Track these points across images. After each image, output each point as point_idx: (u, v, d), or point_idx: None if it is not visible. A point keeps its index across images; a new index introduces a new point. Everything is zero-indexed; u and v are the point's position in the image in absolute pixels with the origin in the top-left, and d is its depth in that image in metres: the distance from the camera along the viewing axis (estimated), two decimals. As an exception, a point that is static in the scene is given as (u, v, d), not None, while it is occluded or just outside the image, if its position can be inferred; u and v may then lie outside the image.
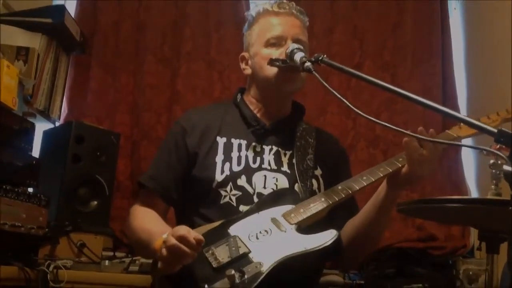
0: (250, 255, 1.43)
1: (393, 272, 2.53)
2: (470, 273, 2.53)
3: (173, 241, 1.33)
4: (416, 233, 2.72)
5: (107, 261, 2.25)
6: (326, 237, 1.48)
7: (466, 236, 2.72)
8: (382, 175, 1.60)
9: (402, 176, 1.57)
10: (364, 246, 1.71)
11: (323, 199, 1.57)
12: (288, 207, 1.56)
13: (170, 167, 1.71)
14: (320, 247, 1.46)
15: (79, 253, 2.23)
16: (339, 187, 1.61)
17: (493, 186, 1.47)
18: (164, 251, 1.35)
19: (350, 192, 1.59)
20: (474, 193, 2.89)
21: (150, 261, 2.12)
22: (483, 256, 1.67)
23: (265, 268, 1.40)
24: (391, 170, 1.59)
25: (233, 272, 1.35)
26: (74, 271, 2.00)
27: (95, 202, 2.43)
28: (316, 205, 1.55)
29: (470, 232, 2.71)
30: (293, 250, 1.45)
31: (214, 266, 1.41)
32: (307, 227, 1.53)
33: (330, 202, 1.56)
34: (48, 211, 2.02)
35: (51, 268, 1.90)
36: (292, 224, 1.52)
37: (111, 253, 2.42)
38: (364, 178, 1.61)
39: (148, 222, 1.64)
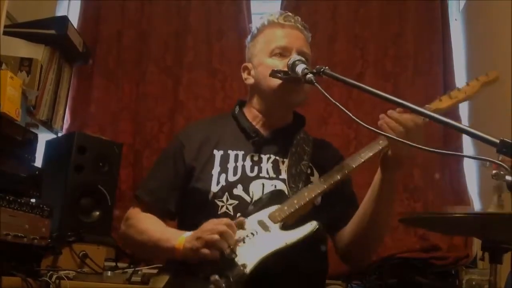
0: (236, 259, 1.45)
1: (396, 282, 2.52)
2: (473, 283, 2.51)
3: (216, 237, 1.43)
4: (419, 243, 2.71)
5: (109, 272, 2.26)
6: (307, 229, 1.51)
7: (468, 246, 2.71)
8: (363, 160, 1.60)
9: (390, 157, 1.56)
10: (369, 239, 1.69)
11: (306, 194, 1.58)
12: (274, 208, 1.58)
13: (167, 182, 1.72)
14: (300, 239, 1.48)
15: (81, 263, 2.23)
16: (321, 179, 1.62)
17: (495, 199, 1.46)
18: (199, 243, 1.45)
19: (332, 182, 1.59)
20: (476, 203, 2.88)
21: (153, 271, 2.15)
22: (486, 266, 1.66)
23: (249, 268, 1.42)
24: (371, 154, 1.59)
25: (217, 277, 1.38)
26: (77, 281, 1.99)
27: (97, 212, 2.44)
28: (300, 200, 1.56)
29: (473, 242, 2.70)
30: (274, 246, 1.47)
31: (200, 276, 1.44)
32: (293, 223, 1.54)
33: (313, 195, 1.57)
34: (50, 221, 2.02)
35: (53, 279, 1.90)
36: (276, 223, 1.54)
37: (113, 264, 2.42)
38: (345, 166, 1.62)
39: (157, 223, 1.68)
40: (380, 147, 1.59)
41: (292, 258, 1.51)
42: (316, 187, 1.60)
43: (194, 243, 1.47)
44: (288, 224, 1.54)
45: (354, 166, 1.61)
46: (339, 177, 1.60)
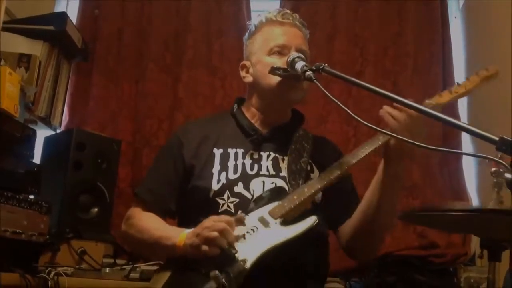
0: (236, 254, 1.45)
1: (394, 280, 2.52)
2: (471, 280, 2.52)
3: (215, 234, 1.43)
4: (417, 241, 2.71)
5: (107, 268, 2.26)
6: (306, 223, 1.51)
7: (467, 244, 2.71)
8: (363, 156, 1.60)
9: (393, 148, 1.57)
10: (374, 231, 1.69)
11: (306, 189, 1.58)
12: (275, 204, 1.58)
13: (167, 180, 1.73)
14: (300, 233, 1.49)
15: (79, 260, 2.23)
16: (322, 176, 1.62)
17: (495, 195, 1.46)
18: (198, 241, 1.45)
19: (332, 177, 1.59)
20: (475, 200, 2.88)
21: (151, 268, 2.15)
22: (484, 264, 1.66)
23: (249, 263, 1.43)
24: (371, 149, 1.59)
25: (217, 272, 1.38)
26: (75, 278, 1.99)
27: (96, 209, 2.43)
28: (300, 196, 1.57)
29: (471, 240, 2.71)
30: (274, 241, 1.48)
31: (201, 271, 1.44)
32: (293, 219, 1.54)
33: (313, 191, 1.57)
34: (49, 218, 2.02)
35: (51, 275, 1.90)
36: (276, 218, 1.54)
37: (111, 260, 2.42)
38: (345, 162, 1.62)
39: (158, 222, 1.69)
40: (380, 143, 1.59)
41: (292, 253, 1.51)
42: (316, 183, 1.60)
43: (193, 239, 1.47)
44: (288, 220, 1.54)
45: (354, 161, 1.61)
46: (339, 172, 1.60)
